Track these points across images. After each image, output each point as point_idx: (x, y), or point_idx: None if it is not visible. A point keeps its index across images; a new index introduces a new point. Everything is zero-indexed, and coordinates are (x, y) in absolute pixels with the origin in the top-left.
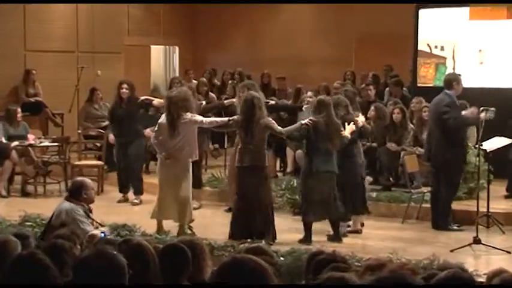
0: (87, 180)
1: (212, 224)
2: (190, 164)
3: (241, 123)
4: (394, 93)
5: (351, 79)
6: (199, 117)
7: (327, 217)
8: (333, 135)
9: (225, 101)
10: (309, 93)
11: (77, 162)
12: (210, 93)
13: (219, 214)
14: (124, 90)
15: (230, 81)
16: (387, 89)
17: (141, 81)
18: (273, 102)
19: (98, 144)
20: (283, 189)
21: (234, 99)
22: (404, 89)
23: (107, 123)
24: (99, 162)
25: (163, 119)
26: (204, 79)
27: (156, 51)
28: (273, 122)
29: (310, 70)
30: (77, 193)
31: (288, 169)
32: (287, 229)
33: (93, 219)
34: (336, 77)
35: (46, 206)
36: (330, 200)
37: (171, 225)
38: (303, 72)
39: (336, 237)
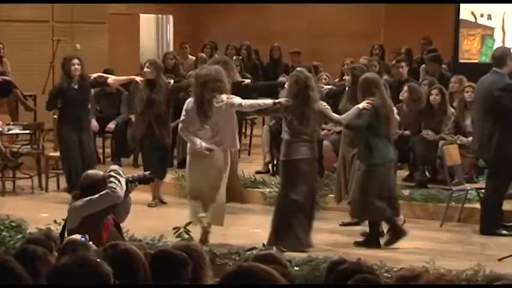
0: (102, 173)
1: (213, 226)
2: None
3: (293, 108)
4: (431, 71)
5: (379, 54)
6: (237, 99)
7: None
8: (391, 118)
9: None
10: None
11: (53, 153)
12: None
13: None
14: (76, 66)
15: (235, 57)
16: (423, 66)
17: (129, 57)
18: (248, 81)
19: None
20: None
21: None
22: (443, 66)
23: (89, 106)
24: None
25: (191, 104)
26: (204, 55)
27: (147, 21)
28: (328, 107)
29: (331, 44)
30: (90, 189)
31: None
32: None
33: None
34: (362, 52)
35: (16, 206)
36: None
37: (166, 229)
38: (322, 47)
39: (374, 240)
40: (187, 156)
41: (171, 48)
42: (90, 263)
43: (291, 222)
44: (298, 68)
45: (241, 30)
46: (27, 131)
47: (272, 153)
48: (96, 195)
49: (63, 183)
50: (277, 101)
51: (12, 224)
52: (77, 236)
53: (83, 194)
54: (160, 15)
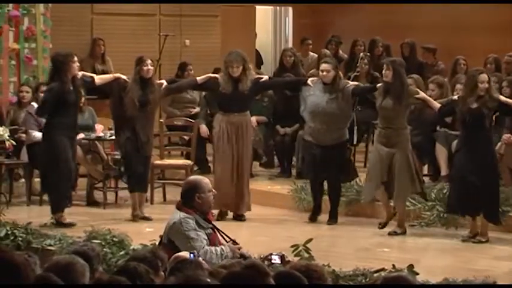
0: (203, 179)
1: (336, 244)
2: None
3: None
4: None
5: None
6: None
7: None
8: None
9: (198, 78)
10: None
11: (158, 162)
12: None
13: (345, 230)
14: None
15: (362, 54)
16: None
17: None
18: (266, 77)
19: (186, 138)
20: (433, 200)
21: (214, 75)
22: None
23: (197, 109)
24: (187, 162)
25: None
26: (327, 51)
27: (263, 14)
28: None
29: (473, 39)
30: (188, 198)
31: (442, 172)
32: (442, 251)
33: (218, 231)
34: (508, 47)
35: (119, 219)
36: None
37: (283, 247)
38: (462, 42)
39: None
40: None
41: (290, 44)
42: (200, 283)
43: None
44: None
45: (371, 23)
46: None
47: None
48: (194, 246)
49: (170, 195)
50: None
51: (115, 239)
52: (185, 253)
53: (182, 202)
54: (278, 7)
